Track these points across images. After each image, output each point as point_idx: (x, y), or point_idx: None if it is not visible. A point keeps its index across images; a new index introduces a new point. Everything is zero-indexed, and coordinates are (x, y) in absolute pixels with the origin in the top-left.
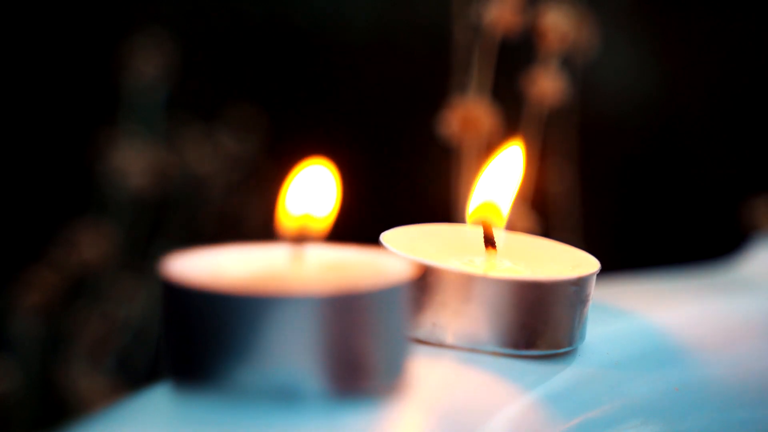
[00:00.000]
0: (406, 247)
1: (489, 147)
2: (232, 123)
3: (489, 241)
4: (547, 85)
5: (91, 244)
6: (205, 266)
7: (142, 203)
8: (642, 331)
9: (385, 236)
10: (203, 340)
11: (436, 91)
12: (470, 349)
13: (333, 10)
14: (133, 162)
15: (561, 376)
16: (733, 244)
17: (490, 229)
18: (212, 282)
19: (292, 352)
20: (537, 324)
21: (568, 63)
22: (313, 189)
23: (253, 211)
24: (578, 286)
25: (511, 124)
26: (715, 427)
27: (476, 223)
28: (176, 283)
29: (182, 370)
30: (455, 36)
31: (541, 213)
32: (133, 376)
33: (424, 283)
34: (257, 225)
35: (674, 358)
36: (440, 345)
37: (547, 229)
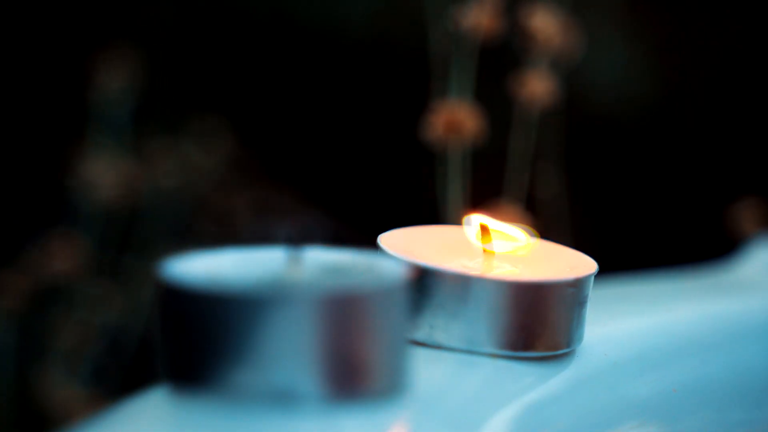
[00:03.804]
0: (404, 249)
1: (478, 151)
2: (198, 134)
3: (486, 243)
4: (536, 87)
5: (64, 254)
6: (202, 269)
7: (112, 214)
8: (640, 333)
9: (383, 238)
10: (201, 343)
11: (420, 95)
12: (468, 351)
13: (315, 16)
14: (102, 174)
15: (559, 377)
16: (727, 245)
17: (488, 231)
18: (210, 284)
19: (290, 355)
20: (535, 325)
21: (557, 65)
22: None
23: (224, 219)
24: (576, 287)
25: (498, 127)
26: (713, 427)
27: (474, 224)
28: (173, 285)
29: (179, 373)
30: (432, 41)
31: (533, 216)
32: (107, 384)
33: (421, 285)
34: (235, 231)
35: (672, 359)
36: (438, 347)
37: (538, 233)
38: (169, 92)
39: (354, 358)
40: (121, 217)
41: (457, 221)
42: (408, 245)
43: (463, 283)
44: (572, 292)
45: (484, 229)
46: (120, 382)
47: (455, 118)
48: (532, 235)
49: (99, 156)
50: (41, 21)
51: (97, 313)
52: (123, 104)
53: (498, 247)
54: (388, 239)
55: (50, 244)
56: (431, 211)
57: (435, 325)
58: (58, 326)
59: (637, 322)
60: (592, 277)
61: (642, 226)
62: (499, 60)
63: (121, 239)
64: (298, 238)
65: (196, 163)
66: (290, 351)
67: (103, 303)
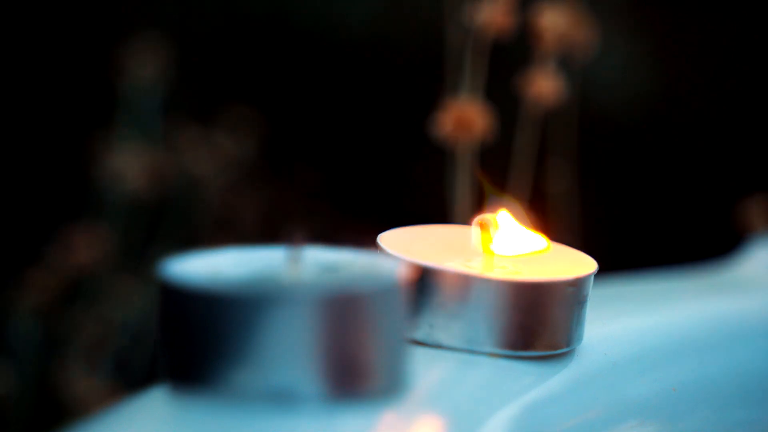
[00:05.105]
0: (404, 248)
1: (485, 148)
2: (228, 125)
3: (486, 242)
4: (544, 85)
5: (88, 247)
6: (203, 269)
7: (138, 206)
8: (639, 332)
9: (383, 238)
10: (200, 343)
11: (430, 92)
12: (468, 350)
13: (328, 12)
14: (130, 164)
15: (559, 377)
16: (729, 244)
17: (488, 230)
18: (209, 284)
19: (290, 355)
20: (534, 325)
21: (565, 63)
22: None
23: (250, 213)
24: (576, 286)
25: (508, 125)
26: (713, 427)
27: (475, 224)
28: (174, 285)
29: (179, 373)
30: (448, 37)
31: (540, 213)
32: (129, 379)
33: (421, 284)
34: (254, 226)
35: (671, 359)
36: (438, 346)
37: (545, 230)
38: (199, 81)
39: (353, 357)
40: (147, 207)
41: (465, 219)
42: (408, 245)
43: (463, 282)
44: (572, 292)
45: (485, 234)
46: (142, 375)
47: (465, 116)
48: (543, 240)
49: (127, 145)
50: (71, 8)
51: (121, 306)
52: (151, 93)
53: (506, 250)
54: (388, 239)
55: (75, 236)
56: (440, 209)
57: (435, 325)
58: (81, 319)
59: (637, 322)
60: (592, 277)
61: (651, 224)
62: (508, 57)
63: (148, 230)
64: (299, 238)
65: (225, 153)
66: (290, 351)
67: (127, 295)
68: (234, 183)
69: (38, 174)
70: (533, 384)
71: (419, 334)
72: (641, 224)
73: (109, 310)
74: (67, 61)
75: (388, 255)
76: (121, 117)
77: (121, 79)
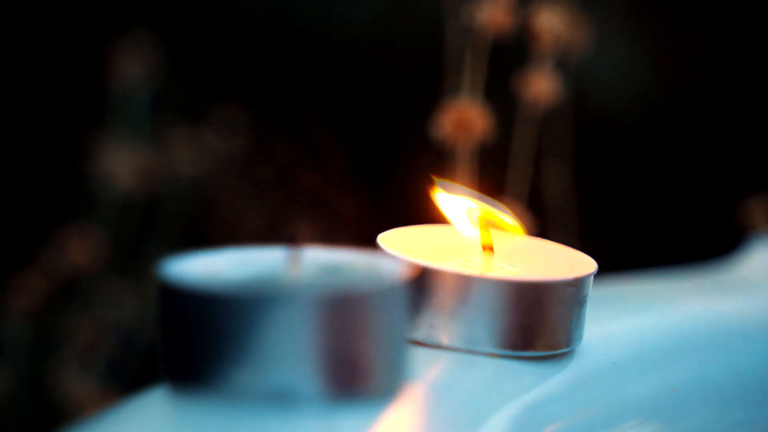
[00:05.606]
0: (403, 248)
1: (482, 149)
2: (218, 123)
3: (486, 243)
4: (541, 85)
5: (80, 248)
6: (202, 269)
7: (130, 205)
8: (639, 332)
9: (382, 238)
10: (200, 343)
11: (430, 92)
12: (467, 350)
13: (324, 10)
14: (121, 164)
15: (558, 377)
16: (729, 244)
17: (488, 230)
18: (210, 284)
19: (290, 355)
20: (534, 325)
21: (562, 63)
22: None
23: (247, 212)
24: (575, 287)
25: (505, 126)
26: (713, 427)
27: (474, 224)
28: (173, 285)
29: (179, 373)
30: (447, 37)
31: (537, 214)
32: (122, 380)
33: (421, 284)
34: (246, 225)
35: (671, 359)
36: (437, 346)
37: (543, 230)
38: (189, 80)
39: (353, 358)
40: (139, 207)
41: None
42: (408, 245)
43: (463, 282)
44: (572, 292)
45: (483, 223)
46: (135, 376)
47: (465, 117)
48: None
49: (117, 145)
50: (59, 7)
51: (113, 308)
52: (142, 93)
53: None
54: (388, 238)
55: (67, 238)
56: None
57: (435, 325)
58: (74, 321)
59: (636, 322)
60: (592, 277)
61: (650, 224)
62: (506, 58)
63: (140, 231)
64: (299, 238)
65: (215, 152)
66: (290, 351)
67: (119, 297)
68: (229, 182)
69: (29, 175)
70: (533, 384)
71: (419, 335)
72: (640, 224)
73: (102, 312)
74: (57, 60)
75: (388, 255)
76: (112, 116)
77: (111, 79)
